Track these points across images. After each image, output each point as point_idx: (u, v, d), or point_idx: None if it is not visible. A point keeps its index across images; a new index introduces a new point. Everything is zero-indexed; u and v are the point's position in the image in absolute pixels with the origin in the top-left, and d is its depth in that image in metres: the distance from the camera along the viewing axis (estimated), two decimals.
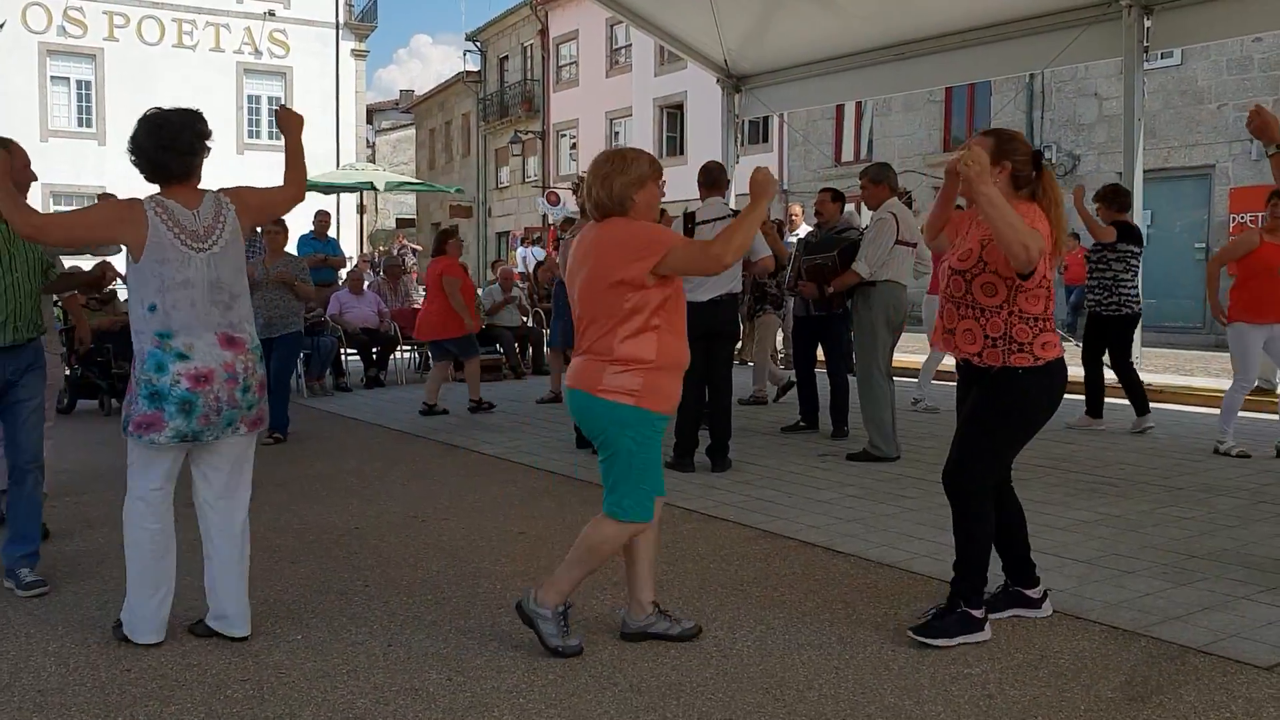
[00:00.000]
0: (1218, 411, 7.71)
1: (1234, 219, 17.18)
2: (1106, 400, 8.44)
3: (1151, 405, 8.42)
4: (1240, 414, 7.41)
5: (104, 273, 5.40)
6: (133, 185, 3.86)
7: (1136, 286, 8.21)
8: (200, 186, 3.83)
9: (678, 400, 3.74)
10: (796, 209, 14.38)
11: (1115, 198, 8.21)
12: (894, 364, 7.52)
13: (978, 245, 3.71)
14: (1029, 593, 4.04)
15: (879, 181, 7.31)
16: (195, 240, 3.72)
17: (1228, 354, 8.08)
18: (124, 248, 3.72)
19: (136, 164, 3.75)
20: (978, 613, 3.78)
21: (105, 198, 7.54)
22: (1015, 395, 3.71)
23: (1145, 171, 9.92)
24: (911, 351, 12.54)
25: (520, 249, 23.81)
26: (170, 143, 3.71)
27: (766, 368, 10.25)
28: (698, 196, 7.25)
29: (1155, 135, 17.13)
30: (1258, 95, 17.37)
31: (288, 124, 4.05)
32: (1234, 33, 10.88)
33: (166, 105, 3.83)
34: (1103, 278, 8.21)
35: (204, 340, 3.70)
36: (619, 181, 3.68)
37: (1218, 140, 17.79)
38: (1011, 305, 3.67)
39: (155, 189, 3.77)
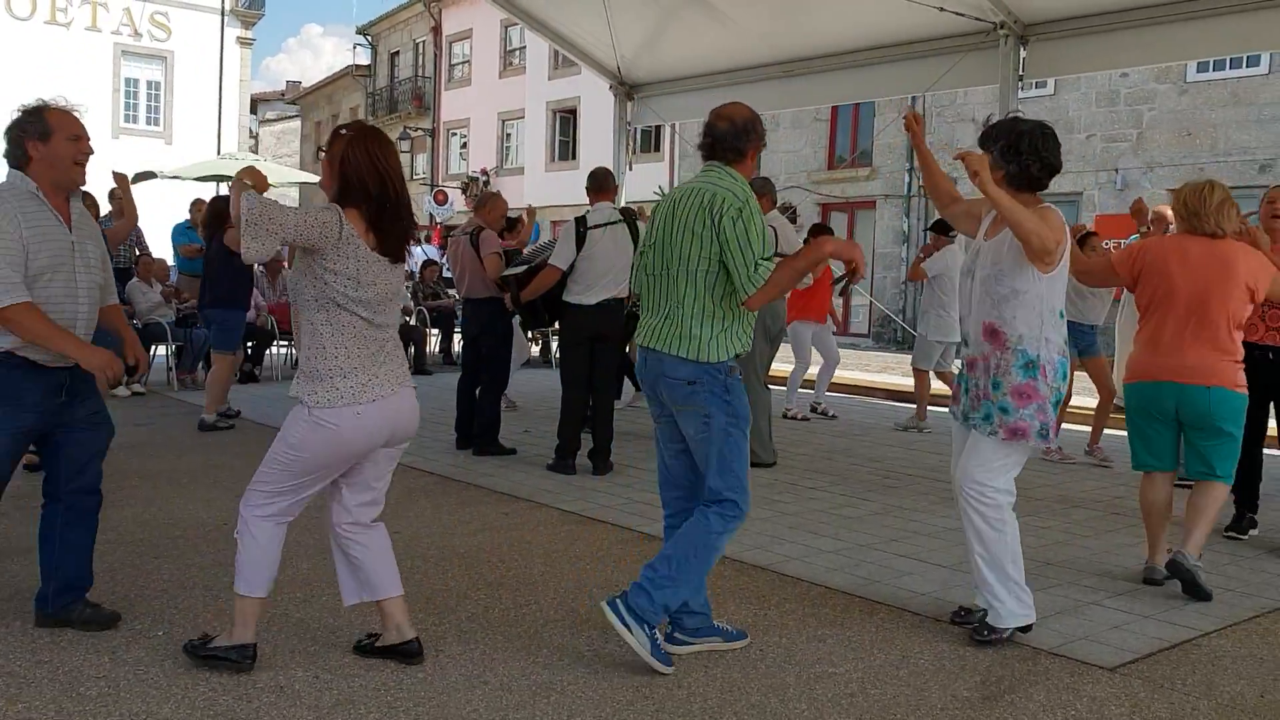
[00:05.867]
0: (1083, 427, 8.48)
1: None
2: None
3: None
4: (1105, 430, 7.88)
5: None
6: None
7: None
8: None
9: None
10: None
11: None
12: (770, 373, 7.68)
13: None
14: None
15: (760, 195, 7.44)
16: None
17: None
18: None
19: (1029, 172, 3.84)
20: None
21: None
22: None
23: None
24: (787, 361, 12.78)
25: (416, 249, 23.51)
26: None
27: None
28: (588, 203, 7.28)
29: None
30: (1124, 127, 18.27)
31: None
32: (1103, 66, 11.39)
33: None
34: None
35: None
36: (1232, 213, 4.58)
37: (1086, 169, 18.61)
38: None
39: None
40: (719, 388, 3.59)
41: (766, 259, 3.52)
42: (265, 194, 3.28)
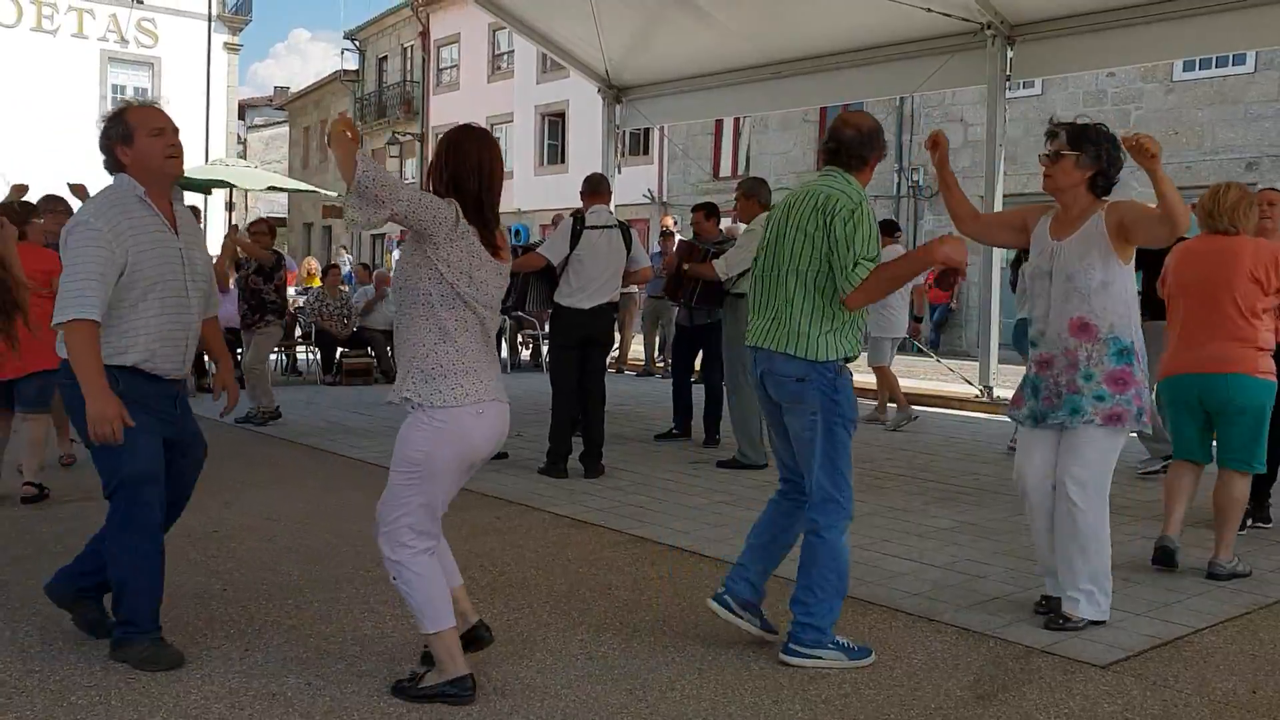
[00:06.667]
0: None
1: None
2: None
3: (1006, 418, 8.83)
4: None
5: None
6: None
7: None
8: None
9: None
10: (668, 220, 14.59)
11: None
12: None
13: None
14: None
15: (750, 196, 7.50)
16: None
17: None
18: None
19: (1110, 177, 4.01)
20: None
21: None
22: None
23: (1005, 196, 10.34)
24: None
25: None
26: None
27: (267, 381, 9.33)
28: (579, 205, 7.29)
29: (1016, 161, 17.83)
30: (1111, 127, 18.24)
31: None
32: (1089, 66, 11.46)
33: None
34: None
35: None
36: (1251, 212, 4.81)
37: None
38: None
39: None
40: (827, 386, 3.63)
41: (868, 259, 3.57)
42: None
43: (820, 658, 3.61)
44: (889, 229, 9.73)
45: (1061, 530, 4.05)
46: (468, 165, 3.27)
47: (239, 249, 9.24)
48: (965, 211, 4.45)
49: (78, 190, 6.53)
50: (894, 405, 9.70)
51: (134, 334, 3.46)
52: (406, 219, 3.13)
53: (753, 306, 3.84)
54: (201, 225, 10.98)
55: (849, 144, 3.74)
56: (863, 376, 13.81)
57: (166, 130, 3.54)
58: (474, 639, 3.52)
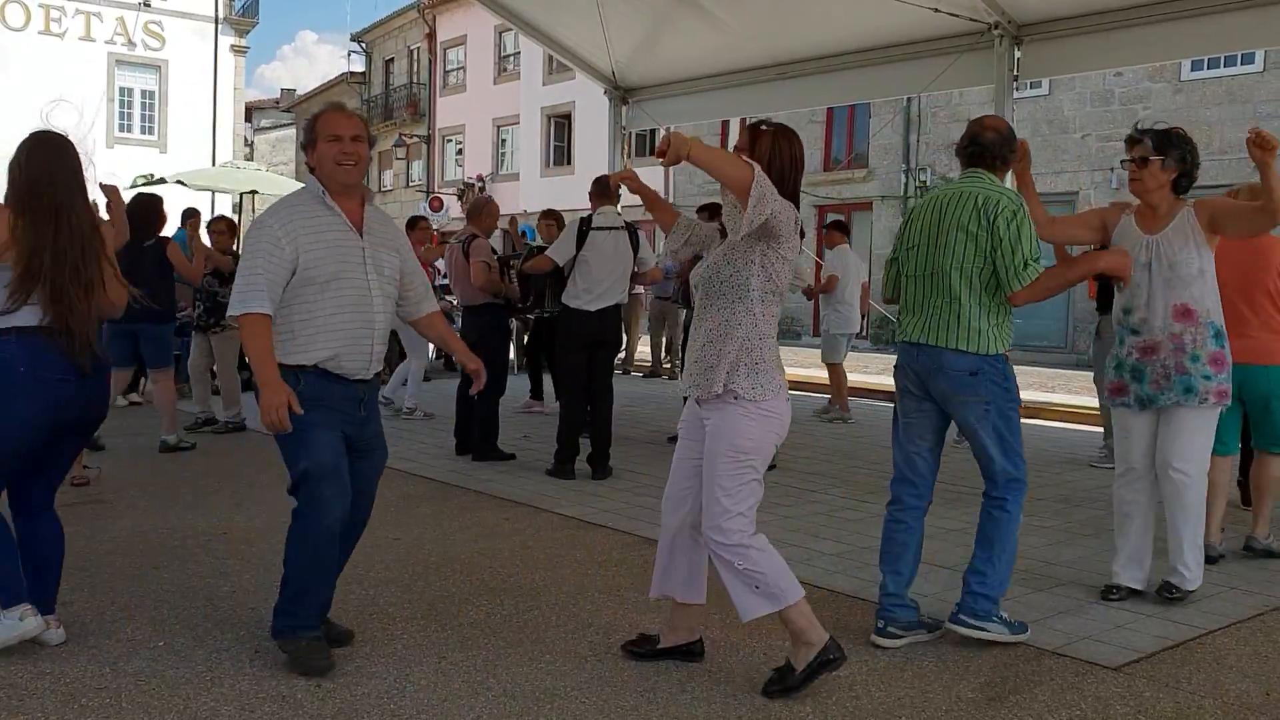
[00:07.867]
0: (1075, 426, 8.35)
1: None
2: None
3: None
4: (1074, 426, 7.83)
5: None
6: None
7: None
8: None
9: None
10: None
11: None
12: None
13: None
14: None
15: None
16: None
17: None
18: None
19: (1191, 178, 4.23)
20: None
21: None
22: None
23: None
24: (793, 365, 12.78)
25: None
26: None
27: (238, 387, 8.94)
28: (585, 207, 7.29)
29: None
30: (1118, 126, 18.28)
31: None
32: (1097, 66, 11.41)
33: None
34: None
35: None
36: None
37: (1081, 168, 18.64)
38: None
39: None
40: (999, 376, 3.81)
41: (1036, 259, 3.75)
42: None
43: (986, 630, 3.78)
44: (840, 229, 10.07)
45: (1170, 508, 4.32)
46: (788, 161, 3.40)
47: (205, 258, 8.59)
48: (1040, 217, 4.62)
49: (109, 190, 6.45)
50: (829, 399, 10.17)
51: (314, 332, 3.46)
52: (774, 216, 3.23)
53: (906, 305, 3.98)
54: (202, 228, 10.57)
55: (991, 146, 3.91)
56: (816, 372, 13.79)
57: (343, 138, 3.51)
58: (692, 653, 3.67)
